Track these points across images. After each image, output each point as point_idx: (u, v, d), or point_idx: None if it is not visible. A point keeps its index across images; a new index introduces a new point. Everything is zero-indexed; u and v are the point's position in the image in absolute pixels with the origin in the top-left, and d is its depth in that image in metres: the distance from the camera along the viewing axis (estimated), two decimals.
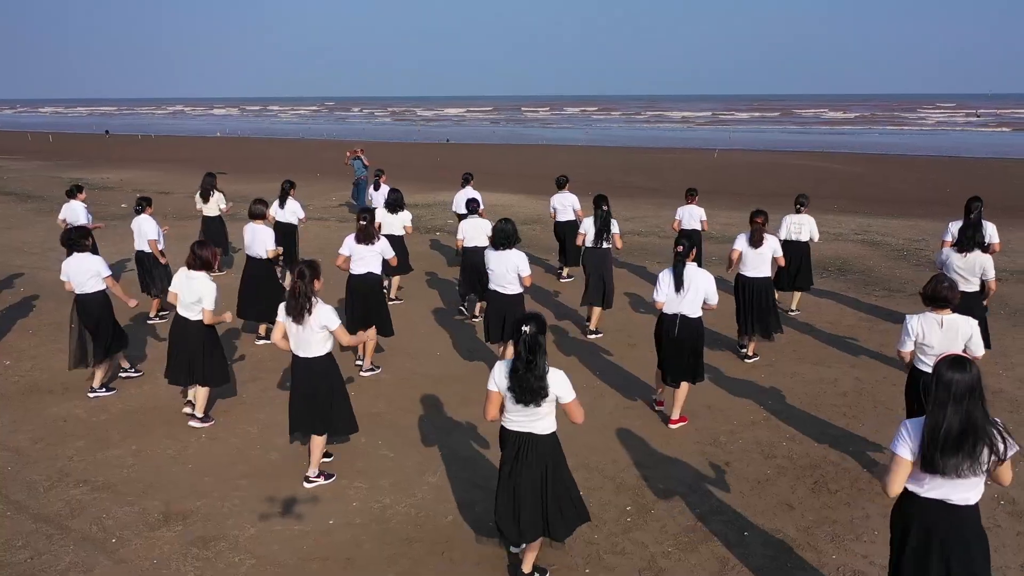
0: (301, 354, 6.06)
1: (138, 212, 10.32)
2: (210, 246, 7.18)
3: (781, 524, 5.67)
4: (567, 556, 5.27)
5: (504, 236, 7.86)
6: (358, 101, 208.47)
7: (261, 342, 9.76)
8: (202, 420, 7.36)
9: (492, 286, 8.15)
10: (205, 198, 12.82)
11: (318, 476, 6.28)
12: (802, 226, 10.70)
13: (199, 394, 7.36)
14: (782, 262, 9.06)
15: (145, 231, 10.23)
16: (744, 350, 9.16)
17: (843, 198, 23.87)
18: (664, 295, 7.09)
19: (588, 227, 9.97)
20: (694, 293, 6.99)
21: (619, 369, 8.84)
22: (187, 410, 7.51)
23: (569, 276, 13.15)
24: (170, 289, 7.28)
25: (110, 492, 6.14)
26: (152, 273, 10.32)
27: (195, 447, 6.93)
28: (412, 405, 7.83)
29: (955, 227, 8.55)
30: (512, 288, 8.06)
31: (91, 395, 8.02)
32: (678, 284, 6.98)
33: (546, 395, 4.59)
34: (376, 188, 14.25)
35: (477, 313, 10.78)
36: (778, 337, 9.28)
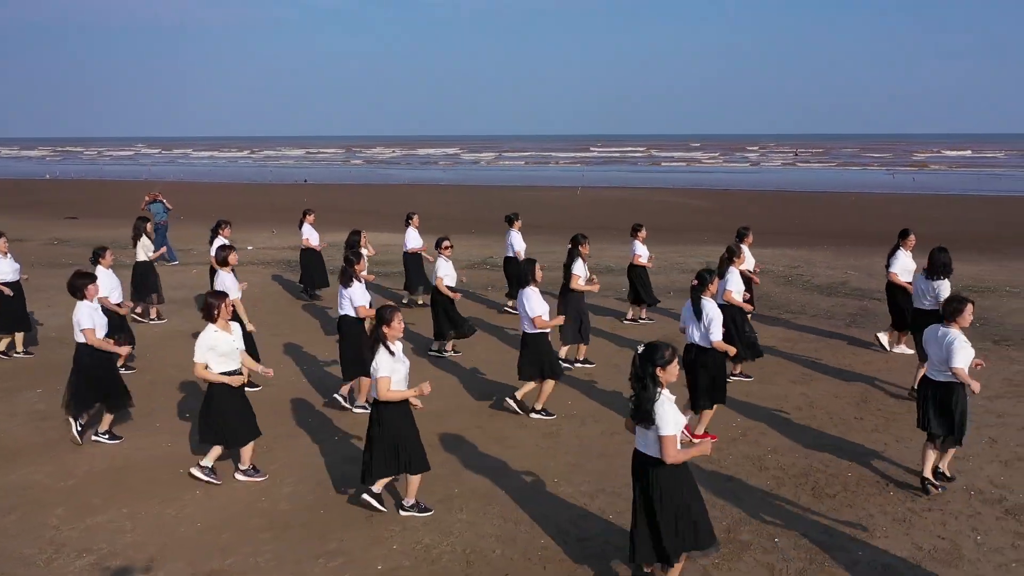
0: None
1: (93, 263, 9.60)
2: (218, 296, 6.77)
3: (802, 529, 6.13)
4: None
5: (520, 275, 8.21)
6: (188, 141, 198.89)
7: None
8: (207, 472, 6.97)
9: None
10: (134, 243, 12.22)
11: (412, 506, 6.32)
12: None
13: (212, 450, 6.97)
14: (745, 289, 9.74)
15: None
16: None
17: (708, 231, 25.56)
18: (682, 323, 7.69)
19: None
20: (702, 326, 7.44)
21: (616, 396, 9.02)
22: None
23: (514, 309, 13.39)
24: None
25: (122, 559, 5.70)
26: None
27: (193, 505, 6.53)
28: None
29: (906, 258, 10.17)
30: (525, 327, 8.35)
31: (94, 438, 7.72)
32: (696, 315, 7.45)
33: (651, 421, 4.79)
34: (300, 226, 14.28)
35: (448, 348, 10.91)
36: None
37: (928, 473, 6.76)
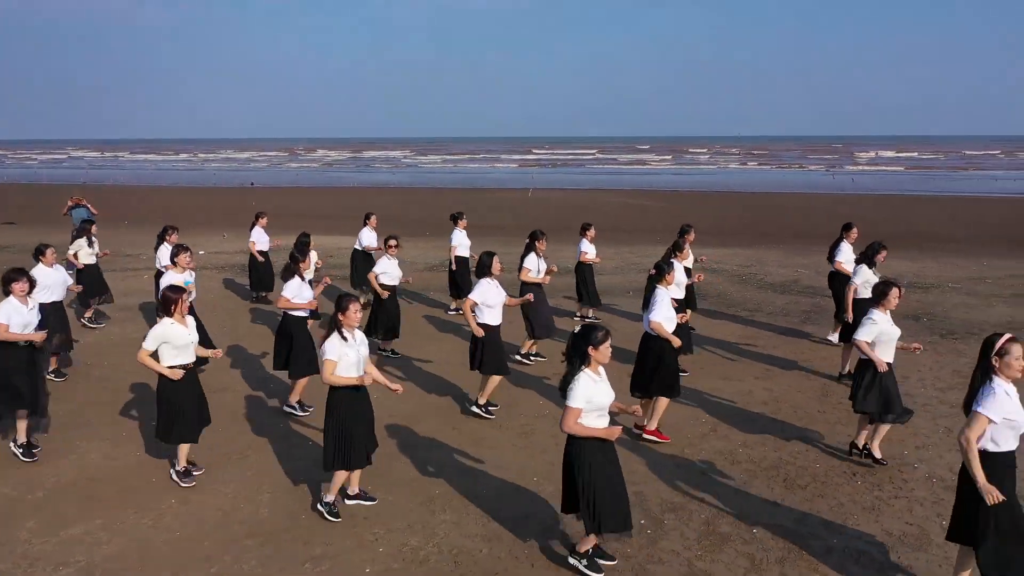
0: None
1: (35, 261, 9.36)
2: (175, 290, 6.74)
3: (778, 519, 6.32)
4: (615, 572, 5.56)
5: (478, 267, 8.34)
6: (123, 143, 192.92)
7: None
8: (181, 476, 6.92)
9: None
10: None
11: (356, 495, 6.54)
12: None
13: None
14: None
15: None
16: None
17: (660, 231, 25.93)
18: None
19: None
20: (649, 310, 7.65)
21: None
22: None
23: (456, 310, 13.55)
24: None
25: (102, 571, 5.58)
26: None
27: (171, 514, 6.41)
28: (377, 448, 7.67)
29: (850, 251, 10.70)
30: (480, 317, 8.43)
31: (12, 447, 7.57)
32: (644, 303, 7.65)
33: (563, 393, 5.20)
34: (251, 228, 14.25)
35: (385, 348, 10.97)
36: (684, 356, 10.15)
37: (859, 441, 7.42)
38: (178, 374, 6.66)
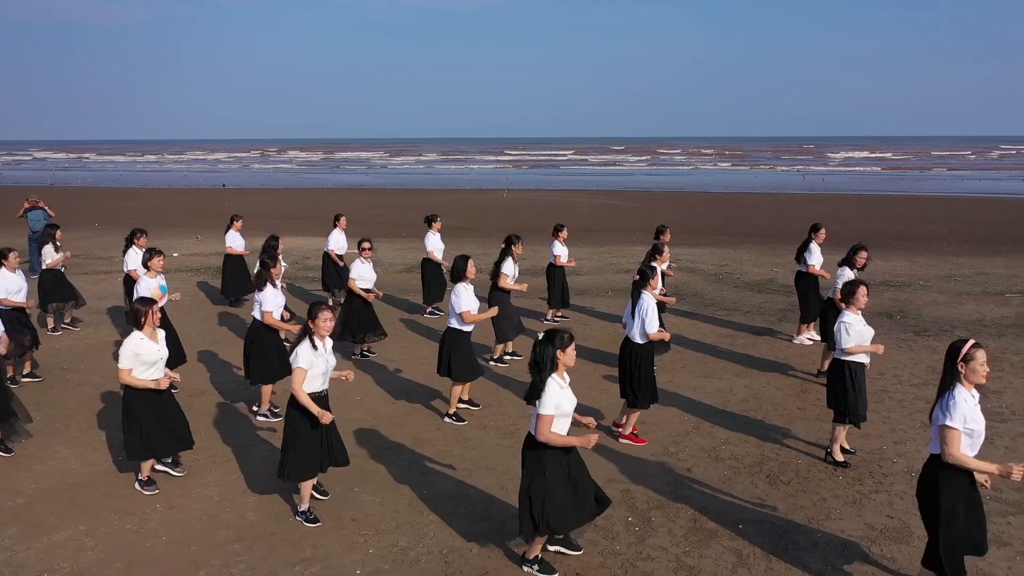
0: None
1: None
2: (145, 302, 6.60)
3: (762, 515, 6.41)
4: (604, 569, 5.61)
5: (453, 271, 8.22)
6: (92, 145, 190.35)
7: None
8: (143, 485, 6.82)
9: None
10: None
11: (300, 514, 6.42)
12: None
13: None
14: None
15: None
16: None
17: (637, 231, 26.11)
18: (624, 318, 7.87)
19: None
20: (638, 319, 7.66)
21: None
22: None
23: (432, 312, 13.55)
24: None
25: None
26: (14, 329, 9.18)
27: (156, 519, 6.35)
28: (363, 451, 7.69)
29: (819, 252, 10.87)
30: (452, 322, 8.36)
31: None
32: (632, 309, 7.65)
33: (534, 399, 5.18)
34: (227, 231, 14.13)
35: (364, 352, 10.91)
36: (664, 355, 10.23)
37: (845, 444, 7.49)
38: (164, 383, 6.52)
